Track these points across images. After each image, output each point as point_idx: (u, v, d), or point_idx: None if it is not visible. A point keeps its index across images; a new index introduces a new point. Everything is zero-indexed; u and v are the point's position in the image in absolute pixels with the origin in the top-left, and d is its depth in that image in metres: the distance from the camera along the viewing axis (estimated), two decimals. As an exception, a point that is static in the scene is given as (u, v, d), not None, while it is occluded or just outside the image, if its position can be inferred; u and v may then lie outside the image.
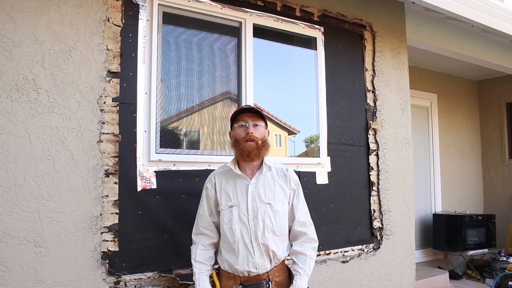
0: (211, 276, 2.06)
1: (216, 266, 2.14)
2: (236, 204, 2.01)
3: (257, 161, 2.05)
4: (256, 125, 2.03)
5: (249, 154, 1.98)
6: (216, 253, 2.13)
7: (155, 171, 2.45)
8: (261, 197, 2.00)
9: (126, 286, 2.29)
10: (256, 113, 2.05)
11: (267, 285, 1.94)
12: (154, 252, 2.39)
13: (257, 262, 1.94)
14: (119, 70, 2.38)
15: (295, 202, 2.09)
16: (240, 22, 2.91)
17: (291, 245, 2.10)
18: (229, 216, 2.01)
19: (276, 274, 1.98)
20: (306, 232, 2.06)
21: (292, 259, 2.06)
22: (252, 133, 1.99)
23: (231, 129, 2.13)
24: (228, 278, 2.00)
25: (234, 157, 2.12)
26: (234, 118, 2.10)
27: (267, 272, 1.96)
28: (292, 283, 1.97)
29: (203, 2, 2.73)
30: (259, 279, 1.94)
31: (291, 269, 2.07)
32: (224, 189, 2.06)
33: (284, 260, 2.06)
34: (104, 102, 2.32)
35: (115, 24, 2.39)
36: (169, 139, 2.64)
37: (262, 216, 1.97)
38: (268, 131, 2.13)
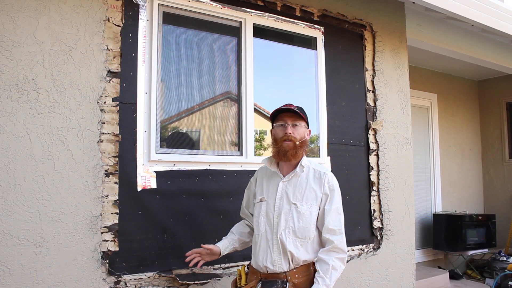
0: (239, 271, 2.09)
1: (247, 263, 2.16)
2: (265, 199, 2.04)
3: (294, 161, 2.04)
4: (296, 125, 2.02)
5: (285, 153, 1.98)
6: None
7: (155, 171, 2.45)
8: (289, 197, 2.00)
9: (126, 286, 2.29)
10: (295, 113, 2.03)
11: (284, 285, 1.92)
12: (154, 252, 2.39)
13: (275, 259, 1.94)
14: (119, 70, 2.38)
15: (327, 208, 2.01)
16: (240, 22, 2.91)
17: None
18: (258, 210, 2.06)
19: (296, 275, 1.95)
20: (333, 240, 1.97)
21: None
22: (290, 133, 1.98)
23: (272, 128, 2.13)
24: (253, 274, 2.03)
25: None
26: (274, 117, 2.09)
27: (285, 272, 1.94)
28: None
29: (203, 2, 2.73)
30: (276, 278, 1.94)
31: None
32: (261, 184, 2.12)
33: (310, 263, 2.01)
34: (104, 102, 2.32)
35: (115, 24, 2.39)
36: (169, 139, 2.64)
37: (286, 215, 1.98)
38: (310, 131, 2.11)
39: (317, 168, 2.08)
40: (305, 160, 2.05)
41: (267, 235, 1.99)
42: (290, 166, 2.06)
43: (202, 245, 2.10)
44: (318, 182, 2.03)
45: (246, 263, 2.63)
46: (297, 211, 1.98)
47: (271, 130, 2.14)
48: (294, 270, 1.94)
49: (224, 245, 2.13)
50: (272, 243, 1.96)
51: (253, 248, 2.06)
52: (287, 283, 1.92)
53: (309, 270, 1.99)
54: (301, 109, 2.08)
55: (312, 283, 1.97)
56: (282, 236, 1.95)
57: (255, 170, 2.74)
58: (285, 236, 1.95)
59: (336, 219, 2.02)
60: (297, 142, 1.99)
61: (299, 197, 2.00)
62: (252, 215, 2.19)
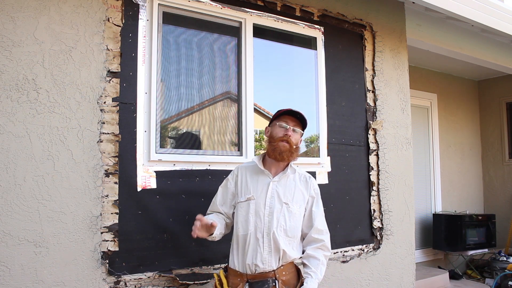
0: (218, 275, 2.08)
1: (224, 266, 2.15)
2: (254, 198, 2.06)
3: (285, 162, 2.10)
4: (295, 130, 2.09)
5: (281, 153, 2.04)
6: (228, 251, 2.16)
7: (155, 171, 2.45)
8: (280, 196, 2.05)
9: (126, 286, 2.29)
10: (298, 120, 2.11)
11: (273, 284, 1.95)
12: (154, 252, 2.39)
13: (265, 257, 1.96)
14: (119, 70, 2.38)
15: (315, 210, 2.13)
16: (240, 22, 2.90)
17: (303, 250, 2.12)
18: (246, 209, 2.05)
19: (283, 273, 2.00)
20: (323, 239, 2.09)
21: (303, 263, 2.07)
22: (290, 136, 2.05)
23: (269, 125, 2.19)
24: (235, 276, 2.01)
25: (261, 154, 2.18)
26: (277, 116, 2.14)
27: (273, 271, 1.97)
28: (301, 284, 1.99)
29: (203, 2, 2.73)
30: (265, 277, 1.96)
31: (302, 272, 2.08)
32: (245, 183, 2.12)
33: (293, 260, 2.07)
34: (104, 102, 2.32)
35: (115, 24, 2.39)
36: (169, 139, 2.64)
37: (277, 214, 2.01)
38: (301, 140, 2.18)
39: (302, 172, 2.21)
40: (292, 163, 2.15)
41: (257, 233, 2.00)
42: (279, 167, 2.12)
43: (212, 222, 1.95)
44: (305, 185, 2.15)
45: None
46: (289, 210, 2.04)
47: (266, 127, 2.19)
48: (282, 267, 2.00)
49: (218, 230, 2.04)
50: (262, 242, 1.98)
51: (236, 248, 2.04)
52: (277, 281, 1.96)
53: (293, 267, 2.09)
54: (304, 118, 2.14)
55: (297, 278, 2.06)
56: (276, 234, 1.98)
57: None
58: (277, 234, 1.98)
59: (323, 220, 2.15)
60: (293, 146, 2.07)
61: (290, 197, 2.07)
62: (225, 213, 2.17)
